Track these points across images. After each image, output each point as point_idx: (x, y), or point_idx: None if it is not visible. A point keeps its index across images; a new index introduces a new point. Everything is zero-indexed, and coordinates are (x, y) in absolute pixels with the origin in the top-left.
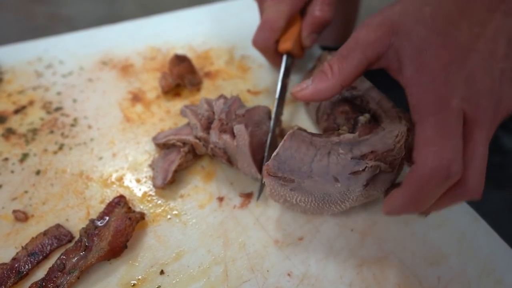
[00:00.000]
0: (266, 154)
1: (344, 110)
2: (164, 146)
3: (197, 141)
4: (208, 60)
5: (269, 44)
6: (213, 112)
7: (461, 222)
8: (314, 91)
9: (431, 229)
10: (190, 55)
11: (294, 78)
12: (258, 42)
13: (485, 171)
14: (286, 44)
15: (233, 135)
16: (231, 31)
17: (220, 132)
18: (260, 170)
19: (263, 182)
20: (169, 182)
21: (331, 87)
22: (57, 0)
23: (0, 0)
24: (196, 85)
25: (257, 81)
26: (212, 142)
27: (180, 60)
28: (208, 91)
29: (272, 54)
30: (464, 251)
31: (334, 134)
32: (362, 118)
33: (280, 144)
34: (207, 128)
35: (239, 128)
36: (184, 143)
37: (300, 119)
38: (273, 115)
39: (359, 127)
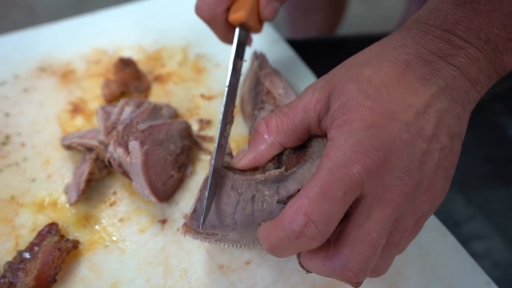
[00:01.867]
0: (213, 160)
1: None
2: (69, 148)
3: (99, 145)
4: (159, 62)
5: (217, 12)
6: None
7: (426, 238)
8: (252, 158)
9: None
10: (139, 56)
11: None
12: (203, 9)
13: (373, 259)
14: (239, 13)
15: (127, 150)
16: (186, 26)
17: (115, 144)
18: (156, 192)
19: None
20: (82, 192)
21: (269, 148)
22: None
23: None
24: (144, 92)
25: (212, 84)
26: (108, 151)
27: (125, 64)
28: (158, 97)
29: (222, 25)
30: (426, 271)
31: (259, 170)
32: (286, 151)
33: (196, 196)
34: (111, 133)
35: (133, 145)
36: (89, 149)
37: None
38: (222, 108)
39: (285, 160)
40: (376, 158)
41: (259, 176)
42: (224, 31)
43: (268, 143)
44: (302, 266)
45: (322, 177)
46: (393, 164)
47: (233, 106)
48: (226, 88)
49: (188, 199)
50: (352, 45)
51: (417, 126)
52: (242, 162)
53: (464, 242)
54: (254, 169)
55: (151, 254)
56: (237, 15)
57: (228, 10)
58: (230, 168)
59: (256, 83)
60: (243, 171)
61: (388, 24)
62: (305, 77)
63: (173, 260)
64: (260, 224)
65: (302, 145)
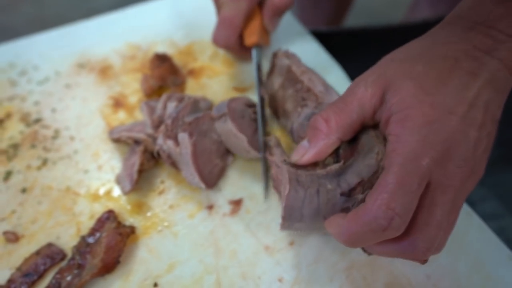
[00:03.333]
0: (261, 155)
1: None
2: (118, 141)
3: (147, 138)
4: (191, 56)
5: (231, 41)
6: None
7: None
8: (315, 154)
9: None
10: (171, 51)
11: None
12: (220, 40)
13: (438, 239)
14: (253, 37)
15: (177, 142)
16: (214, 20)
17: (165, 137)
18: (204, 179)
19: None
20: (135, 182)
21: (330, 143)
22: None
23: None
24: (179, 85)
25: (243, 76)
26: (158, 144)
27: (161, 60)
28: (193, 90)
29: (237, 49)
30: (455, 248)
31: (319, 165)
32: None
33: (282, 202)
34: (158, 126)
35: (182, 137)
36: (136, 141)
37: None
38: (259, 117)
39: (341, 154)
40: (441, 150)
41: (320, 171)
42: (239, 52)
43: (329, 138)
44: (365, 251)
45: (396, 172)
46: (453, 154)
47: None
48: (258, 103)
49: (230, 186)
50: (373, 35)
51: (470, 117)
52: (305, 158)
53: None
54: (314, 164)
55: (202, 237)
56: (251, 40)
57: (240, 36)
58: (292, 164)
59: (291, 80)
60: (304, 166)
61: (397, 8)
62: (330, 69)
63: (222, 242)
64: (325, 216)
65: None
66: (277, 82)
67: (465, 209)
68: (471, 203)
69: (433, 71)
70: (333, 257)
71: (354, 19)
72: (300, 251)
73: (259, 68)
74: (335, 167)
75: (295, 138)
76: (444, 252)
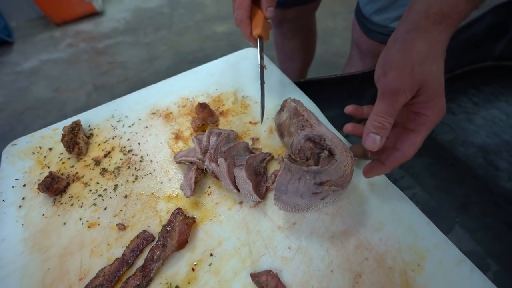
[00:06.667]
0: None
1: (309, 147)
2: (179, 163)
3: (198, 161)
4: (221, 102)
5: (244, 18)
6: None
7: (394, 201)
8: (382, 144)
9: (375, 208)
10: (208, 100)
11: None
12: (237, 19)
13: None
14: (257, 30)
15: (217, 164)
16: (234, 78)
17: (209, 160)
18: (236, 187)
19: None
20: (194, 189)
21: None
22: (113, 51)
23: (78, 56)
24: (215, 123)
25: (255, 114)
26: (205, 164)
27: (202, 107)
28: (223, 125)
29: (248, 29)
30: (395, 220)
31: (305, 164)
32: (323, 154)
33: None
34: (205, 153)
35: (220, 161)
36: (191, 162)
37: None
38: (260, 89)
39: (321, 161)
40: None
41: (304, 168)
42: (249, 36)
43: (387, 133)
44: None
45: (423, 136)
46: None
47: (264, 82)
48: (259, 69)
49: None
50: (328, 82)
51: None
52: (378, 147)
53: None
54: (302, 163)
55: (237, 222)
56: (256, 31)
57: (250, 19)
58: (290, 159)
59: (296, 115)
60: (296, 161)
61: (338, 56)
62: (308, 104)
63: (250, 225)
64: (301, 195)
65: (331, 152)
66: (285, 115)
67: (401, 195)
68: (395, 180)
69: (440, 72)
70: (321, 230)
71: (315, 67)
72: (300, 228)
73: (261, 49)
74: (314, 168)
75: (293, 150)
76: (389, 222)
